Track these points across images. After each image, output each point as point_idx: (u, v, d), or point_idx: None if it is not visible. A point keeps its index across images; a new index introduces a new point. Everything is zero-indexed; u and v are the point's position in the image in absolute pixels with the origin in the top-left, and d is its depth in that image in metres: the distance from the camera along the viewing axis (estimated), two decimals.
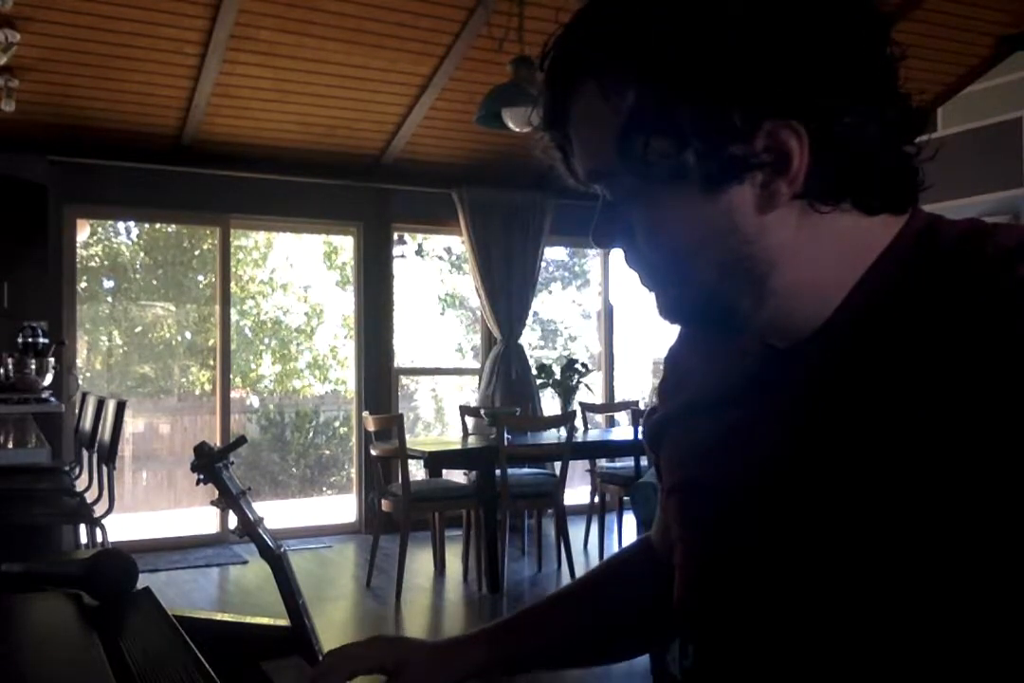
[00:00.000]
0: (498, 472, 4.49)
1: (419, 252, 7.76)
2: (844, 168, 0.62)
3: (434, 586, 4.80)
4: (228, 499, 1.04)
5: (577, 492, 6.13)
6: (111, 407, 3.73)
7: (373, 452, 4.69)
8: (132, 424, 7.02)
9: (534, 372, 6.10)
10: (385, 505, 4.61)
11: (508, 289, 6.20)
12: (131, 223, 7.11)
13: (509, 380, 6.18)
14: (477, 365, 6.72)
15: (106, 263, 7.31)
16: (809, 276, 0.66)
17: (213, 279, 6.07)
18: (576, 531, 5.23)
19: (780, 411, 0.69)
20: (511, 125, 4.12)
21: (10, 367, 4.70)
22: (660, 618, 0.90)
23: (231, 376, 6.01)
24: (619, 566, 0.98)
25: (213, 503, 1.07)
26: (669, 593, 0.78)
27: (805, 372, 0.68)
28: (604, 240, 0.70)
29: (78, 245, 5.59)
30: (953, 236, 0.65)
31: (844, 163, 0.62)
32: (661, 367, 0.89)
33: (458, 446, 4.95)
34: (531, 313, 6.43)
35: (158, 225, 7.00)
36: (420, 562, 5.05)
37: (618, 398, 6.88)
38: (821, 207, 0.63)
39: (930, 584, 0.59)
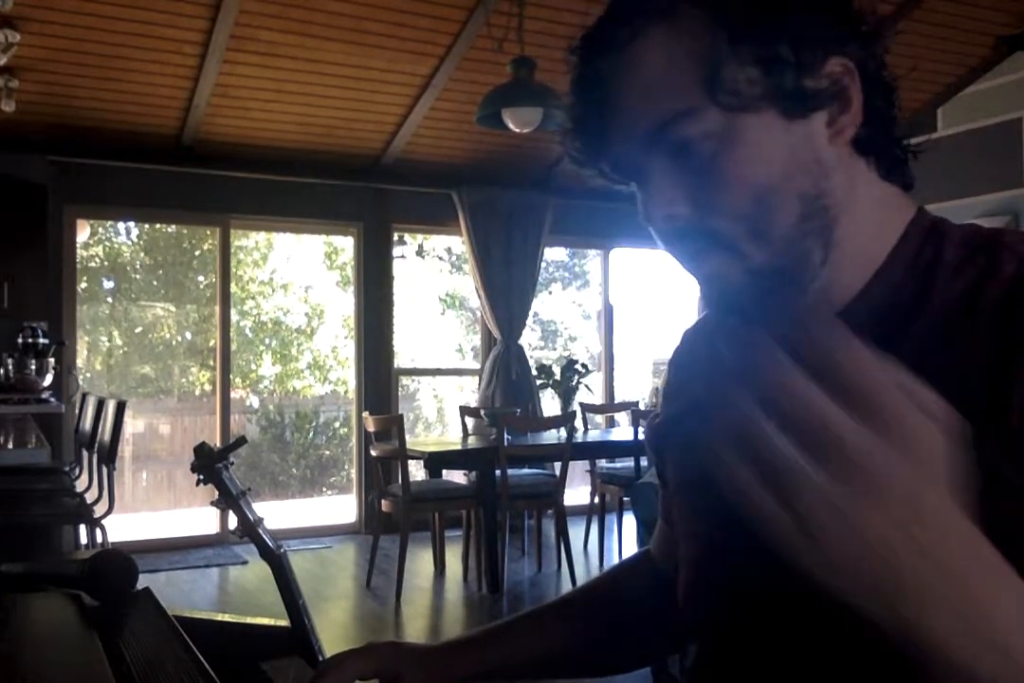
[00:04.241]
0: (498, 472, 4.49)
1: (419, 252, 7.77)
2: (879, 119, 0.67)
3: (434, 586, 4.80)
4: (228, 499, 1.04)
5: (577, 492, 6.13)
6: (111, 407, 3.73)
7: (373, 452, 4.69)
8: (132, 424, 7.02)
9: (534, 372, 6.10)
10: (385, 505, 4.61)
11: (508, 289, 6.20)
12: (131, 223, 7.11)
13: (509, 380, 6.18)
14: (477, 365, 6.72)
15: (106, 263, 7.32)
16: (857, 235, 0.68)
17: (213, 279, 6.07)
18: (576, 531, 5.23)
19: None
20: (511, 125, 4.12)
21: (10, 367, 4.70)
22: (659, 632, 0.90)
23: (231, 376, 6.01)
24: (619, 578, 0.98)
25: (213, 503, 1.07)
26: (668, 607, 0.78)
27: None
28: (670, 205, 0.67)
29: (78, 245, 5.59)
30: (962, 232, 0.68)
31: (880, 114, 0.67)
32: (662, 368, 0.90)
33: (458, 446, 4.95)
34: (531, 313, 6.43)
35: (158, 225, 7.00)
36: (420, 562, 5.05)
37: (618, 398, 6.88)
38: (865, 157, 0.68)
39: None
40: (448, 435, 7.60)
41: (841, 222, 0.66)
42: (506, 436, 4.57)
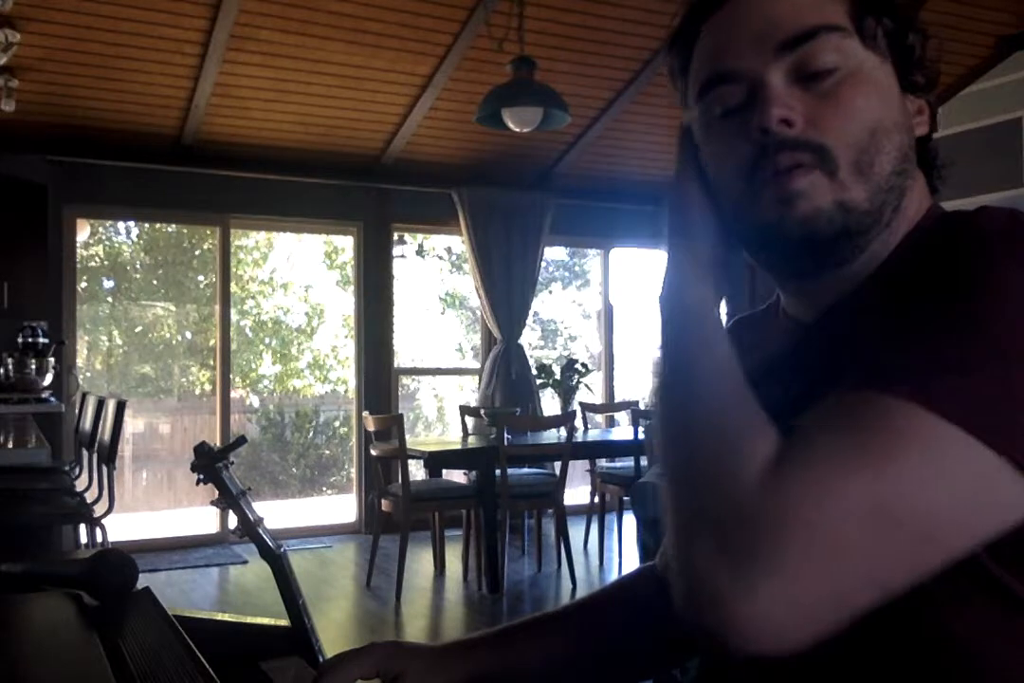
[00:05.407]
0: (498, 472, 4.49)
1: (419, 252, 7.77)
2: (930, 136, 0.76)
3: (434, 586, 4.80)
4: (228, 499, 1.04)
5: (577, 492, 6.13)
6: (111, 407, 3.73)
7: (373, 452, 4.69)
8: (132, 424, 7.02)
9: (534, 372, 6.10)
10: (385, 505, 4.61)
11: (508, 289, 6.20)
12: (131, 223, 7.11)
13: (509, 380, 6.18)
14: (477, 365, 6.72)
15: (106, 263, 7.31)
16: (906, 212, 0.71)
17: (213, 279, 6.07)
18: (576, 531, 5.23)
19: (813, 382, 0.68)
20: (511, 125, 4.12)
21: (10, 367, 4.70)
22: (658, 645, 0.90)
23: (231, 376, 6.01)
24: (619, 590, 0.97)
25: (213, 503, 1.07)
26: (668, 619, 0.78)
27: (830, 344, 0.69)
28: (789, 110, 0.67)
29: (78, 245, 5.59)
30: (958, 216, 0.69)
31: (931, 130, 0.75)
32: None
33: (458, 446, 4.95)
34: (531, 313, 6.43)
35: (158, 225, 7.00)
36: (420, 562, 5.05)
37: (618, 398, 6.88)
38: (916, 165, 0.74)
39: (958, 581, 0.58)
40: (448, 435, 7.60)
41: (907, 194, 0.70)
42: (506, 436, 4.57)
